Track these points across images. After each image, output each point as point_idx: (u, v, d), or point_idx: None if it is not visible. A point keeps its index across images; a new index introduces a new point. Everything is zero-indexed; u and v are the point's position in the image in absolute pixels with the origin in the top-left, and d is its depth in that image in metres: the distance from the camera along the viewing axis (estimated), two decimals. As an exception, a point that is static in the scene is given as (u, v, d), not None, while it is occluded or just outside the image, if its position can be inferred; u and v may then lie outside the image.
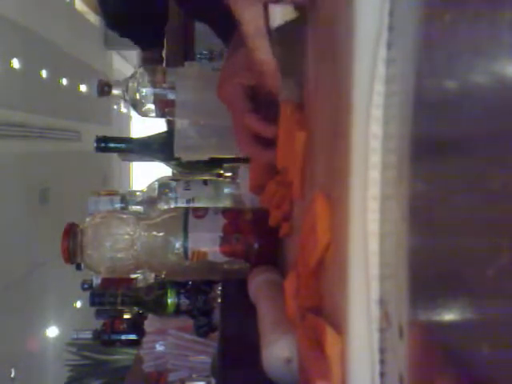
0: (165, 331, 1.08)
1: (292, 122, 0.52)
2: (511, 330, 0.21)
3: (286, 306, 0.46)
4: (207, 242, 0.77)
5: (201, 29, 1.89)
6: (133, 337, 1.39)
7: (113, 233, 0.78)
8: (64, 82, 3.70)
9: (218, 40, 1.32)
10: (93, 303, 1.25)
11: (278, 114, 0.54)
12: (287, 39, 0.51)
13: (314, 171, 0.45)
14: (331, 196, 0.37)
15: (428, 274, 0.28)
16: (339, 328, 0.34)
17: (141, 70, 1.04)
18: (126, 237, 0.77)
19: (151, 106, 1.03)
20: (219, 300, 0.96)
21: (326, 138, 0.41)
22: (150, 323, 1.14)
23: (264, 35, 0.48)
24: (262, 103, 0.61)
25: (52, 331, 3.28)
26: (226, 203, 1.06)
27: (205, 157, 1.07)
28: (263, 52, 0.49)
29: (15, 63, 2.84)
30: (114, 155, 1.70)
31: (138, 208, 1.20)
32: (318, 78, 0.45)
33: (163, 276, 0.93)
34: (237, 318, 0.68)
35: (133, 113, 1.07)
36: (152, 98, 1.02)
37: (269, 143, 0.58)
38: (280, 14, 0.47)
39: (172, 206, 1.07)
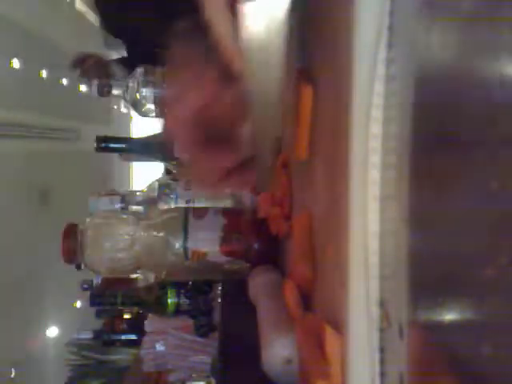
0: (165, 331, 1.08)
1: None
2: (511, 329, 0.21)
3: (286, 306, 0.46)
4: (207, 242, 0.77)
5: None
6: (133, 337, 1.39)
7: (113, 233, 0.78)
8: (64, 82, 3.69)
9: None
10: (93, 303, 1.25)
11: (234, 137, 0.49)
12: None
13: (313, 171, 0.45)
14: (331, 196, 0.37)
15: (428, 273, 0.28)
16: (339, 328, 0.34)
17: (141, 69, 1.04)
18: (126, 237, 0.77)
19: (151, 106, 1.03)
20: (219, 300, 0.96)
21: (326, 137, 0.41)
22: (150, 323, 1.14)
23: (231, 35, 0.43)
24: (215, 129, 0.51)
25: (52, 331, 3.27)
26: (226, 203, 1.06)
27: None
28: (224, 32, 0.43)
29: (15, 63, 2.83)
30: (114, 155, 1.70)
31: (138, 208, 1.20)
32: (318, 78, 0.45)
33: (163, 276, 0.93)
34: (237, 318, 0.68)
35: (133, 113, 1.07)
36: (152, 97, 1.02)
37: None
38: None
39: (172, 206, 1.07)
